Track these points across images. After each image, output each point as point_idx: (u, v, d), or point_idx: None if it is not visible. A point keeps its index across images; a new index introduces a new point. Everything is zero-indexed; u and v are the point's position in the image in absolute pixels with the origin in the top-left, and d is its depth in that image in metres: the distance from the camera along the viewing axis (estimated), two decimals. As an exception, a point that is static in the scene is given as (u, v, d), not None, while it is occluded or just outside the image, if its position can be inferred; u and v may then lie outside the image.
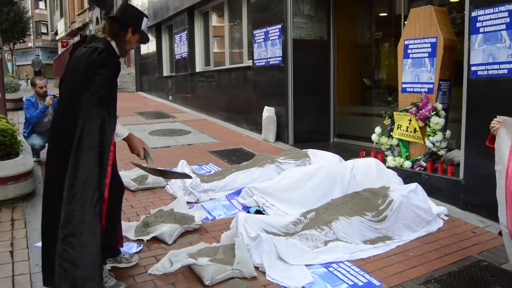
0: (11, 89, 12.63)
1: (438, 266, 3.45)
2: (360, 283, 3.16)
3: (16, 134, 5.05)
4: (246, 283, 3.13)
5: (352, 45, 8.59)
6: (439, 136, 5.14)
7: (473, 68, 4.57)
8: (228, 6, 10.93)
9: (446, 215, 4.51)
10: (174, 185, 5.21)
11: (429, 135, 5.22)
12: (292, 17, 7.82)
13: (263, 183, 4.87)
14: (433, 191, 4.99)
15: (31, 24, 32.71)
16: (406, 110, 5.49)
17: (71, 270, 2.45)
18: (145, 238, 3.81)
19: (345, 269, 3.36)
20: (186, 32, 12.72)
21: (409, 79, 5.55)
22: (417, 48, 5.42)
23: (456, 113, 5.35)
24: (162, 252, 3.60)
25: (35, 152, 6.47)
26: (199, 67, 12.64)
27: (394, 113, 5.67)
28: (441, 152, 5.24)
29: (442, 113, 5.19)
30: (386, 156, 5.84)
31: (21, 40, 29.71)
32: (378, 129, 5.91)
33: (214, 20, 12.06)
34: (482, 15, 4.45)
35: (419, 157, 5.44)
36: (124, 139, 2.93)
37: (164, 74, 15.83)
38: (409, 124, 5.46)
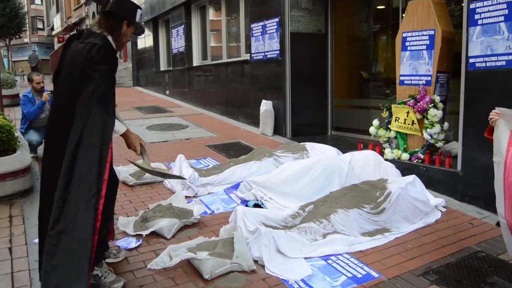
0: (7, 85, 12.59)
1: (436, 258, 3.46)
2: (359, 275, 3.17)
3: (13, 130, 5.03)
4: (245, 277, 3.14)
5: (350, 38, 8.57)
6: (437, 128, 5.15)
7: (471, 60, 4.57)
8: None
9: (444, 207, 4.53)
10: (172, 180, 5.20)
11: (427, 127, 5.23)
12: (290, 10, 7.79)
13: (261, 176, 4.87)
14: (431, 183, 5.00)
15: (27, 20, 32.50)
16: (404, 103, 5.49)
17: (59, 268, 2.40)
18: (144, 233, 3.81)
19: (344, 262, 3.37)
20: (183, 26, 12.68)
21: (407, 71, 5.55)
22: (415, 40, 5.42)
23: (454, 105, 5.36)
24: (161, 247, 3.60)
25: (33, 148, 6.46)
26: (196, 61, 12.60)
27: (392, 105, 5.67)
28: (439, 144, 5.24)
29: (440, 105, 5.19)
30: (384, 148, 5.85)
31: (17, 36, 29.51)
32: (376, 122, 5.92)
33: (211, 14, 12.01)
34: (480, 7, 4.44)
35: (417, 149, 5.45)
36: (121, 135, 2.92)
37: (161, 69, 15.79)
38: (407, 116, 5.46)
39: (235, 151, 7.03)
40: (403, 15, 5.73)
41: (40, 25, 48.31)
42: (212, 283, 3.06)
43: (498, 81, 4.34)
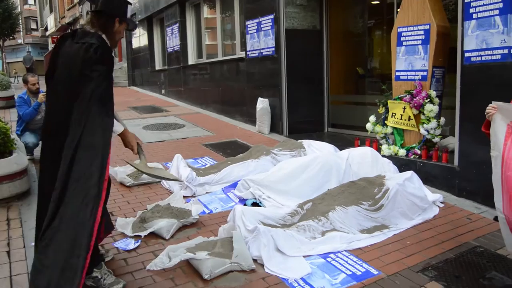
0: (2, 87, 12.53)
1: (435, 253, 3.47)
2: (358, 273, 3.17)
3: (9, 133, 5.01)
4: (245, 276, 3.13)
5: (345, 34, 8.57)
6: (434, 123, 5.15)
7: (466, 55, 4.57)
8: (219, -3, 10.87)
9: (441, 202, 4.54)
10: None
11: (424, 123, 5.23)
12: (285, 6, 7.78)
13: (259, 175, 4.86)
14: (428, 179, 5.01)
15: (20, 20, 32.36)
16: (400, 98, 5.49)
17: (51, 268, 2.38)
18: (143, 234, 3.80)
19: (343, 259, 3.37)
20: (177, 24, 12.64)
21: (403, 66, 5.54)
22: (411, 35, 5.41)
23: (450, 100, 5.36)
24: (160, 248, 3.60)
25: (29, 150, 6.43)
26: (191, 59, 12.57)
27: (388, 101, 5.67)
28: (436, 140, 5.25)
29: (436, 100, 5.19)
30: (381, 144, 5.85)
31: (11, 37, 29.38)
32: (372, 118, 5.92)
33: (205, 11, 11.98)
34: (475, 0, 4.44)
35: (414, 145, 5.45)
36: (118, 134, 2.92)
37: (157, 68, 15.74)
38: (403, 112, 5.46)
39: (232, 149, 7.02)
40: (398, 10, 5.72)
41: (33, 26, 48.06)
42: (212, 283, 3.05)
43: (493, 75, 4.34)
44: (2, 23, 27.03)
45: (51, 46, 34.63)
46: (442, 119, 5.26)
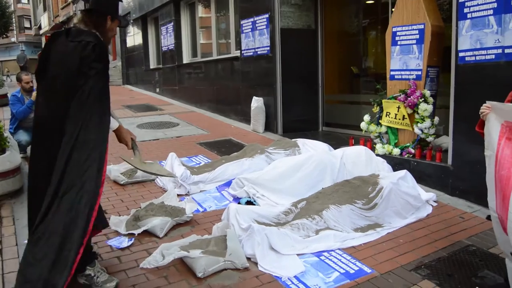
0: (-5, 85, 12.45)
1: (428, 252, 3.48)
2: (352, 271, 3.18)
3: (2, 131, 4.98)
4: (238, 274, 3.13)
5: (340, 33, 8.58)
6: (428, 122, 5.17)
7: (460, 54, 4.59)
8: (214, -4, 10.85)
9: (435, 201, 4.55)
10: (164, 178, 5.18)
11: (418, 122, 5.25)
12: (280, 6, 7.78)
13: (253, 173, 4.86)
14: (422, 178, 5.03)
15: (14, 19, 32.13)
16: (395, 98, 5.50)
17: (44, 261, 2.37)
18: (136, 232, 3.78)
19: (336, 258, 3.38)
20: (172, 23, 12.61)
21: (397, 66, 5.56)
22: (405, 35, 5.43)
23: (444, 99, 5.38)
24: (153, 246, 3.59)
25: (22, 148, 6.40)
26: (186, 58, 12.55)
27: (383, 100, 5.68)
28: (430, 139, 5.27)
29: (430, 99, 5.21)
30: (375, 143, 5.87)
31: (4, 36, 29.18)
32: (367, 117, 5.93)
33: (200, 10, 11.96)
34: (469, 0, 4.46)
35: (408, 144, 5.47)
36: (113, 130, 2.92)
37: (151, 67, 15.70)
38: (398, 111, 5.48)
39: (226, 148, 7.01)
40: (393, 9, 5.73)
41: (27, 24, 47.77)
42: (205, 281, 3.05)
43: (487, 75, 4.36)
44: (-4, 22, 26.86)
45: (45, 45, 34.34)
46: (436, 119, 5.28)
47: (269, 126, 8.24)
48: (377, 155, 5.37)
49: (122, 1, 3.05)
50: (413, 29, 5.33)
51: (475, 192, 4.48)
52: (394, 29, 5.56)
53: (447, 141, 5.13)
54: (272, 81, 8.02)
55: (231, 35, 10.08)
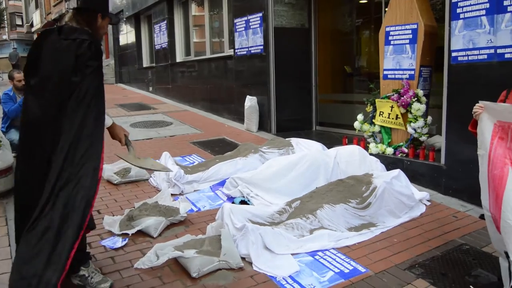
0: (-14, 83, 12.34)
1: (422, 251, 3.50)
2: (346, 270, 3.19)
3: (-6, 130, 4.94)
4: (233, 274, 3.13)
5: (334, 33, 8.59)
6: (421, 122, 5.19)
7: (453, 54, 4.61)
8: (208, -6, 10.83)
9: (428, 200, 4.58)
10: (157, 178, 5.17)
11: (411, 121, 5.27)
12: (273, 5, 7.77)
13: (247, 173, 4.86)
14: (415, 177, 5.05)
15: (5, 16, 31.87)
16: (388, 97, 5.52)
17: (38, 258, 2.36)
18: (130, 232, 3.77)
19: (331, 257, 3.38)
20: (165, 22, 12.57)
21: (391, 65, 5.58)
22: (398, 34, 5.45)
23: (437, 99, 5.41)
24: (147, 246, 3.58)
25: (14, 147, 6.34)
26: (179, 57, 12.51)
27: (376, 100, 5.70)
28: (423, 138, 5.29)
29: (423, 99, 5.23)
30: (369, 143, 5.89)
31: (-4, 33, 28.96)
32: (360, 116, 5.94)
33: (194, 9, 11.93)
34: (462, 0, 4.48)
35: (401, 144, 5.49)
36: (107, 127, 2.93)
37: (144, 65, 15.64)
38: (391, 110, 5.50)
39: (220, 147, 7.00)
40: (386, 9, 5.75)
41: (19, 22, 47.36)
42: (200, 281, 3.04)
43: (480, 75, 4.38)
44: (-13, 19, 26.63)
45: (37, 43, 34.05)
46: (429, 118, 5.31)
47: (263, 125, 8.24)
48: (371, 154, 5.39)
49: None
50: (406, 29, 5.35)
51: (468, 191, 4.51)
52: (388, 29, 5.58)
53: (440, 141, 5.16)
54: (265, 80, 8.02)
55: (225, 34, 10.07)
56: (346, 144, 5.98)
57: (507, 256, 2.46)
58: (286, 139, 6.13)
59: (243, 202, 4.41)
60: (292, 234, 3.60)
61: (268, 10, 7.82)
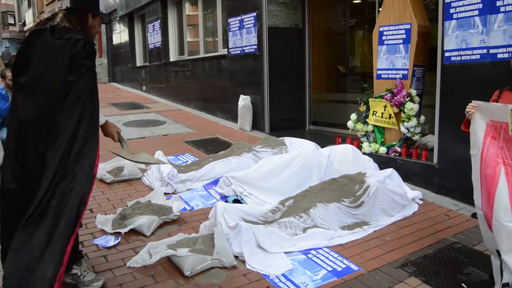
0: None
1: (414, 250, 3.51)
2: (339, 269, 3.19)
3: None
4: (226, 273, 3.13)
5: (327, 33, 8.60)
6: (414, 121, 5.21)
7: (446, 54, 4.63)
8: (202, -6, 10.81)
9: (420, 199, 4.60)
10: (150, 176, 5.15)
11: (404, 121, 5.29)
12: (267, 4, 7.77)
13: (241, 172, 4.86)
14: (408, 176, 5.07)
15: (-3, 15, 31.68)
16: (381, 97, 5.54)
17: (33, 252, 2.36)
18: (123, 230, 3.75)
19: (324, 255, 3.39)
20: (159, 21, 12.54)
21: (384, 65, 5.60)
22: (392, 34, 5.46)
23: (430, 98, 5.43)
24: (140, 244, 3.56)
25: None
26: (173, 56, 12.49)
27: (369, 99, 5.72)
28: (416, 138, 5.31)
29: (417, 99, 5.25)
30: (362, 142, 5.90)
31: (-12, 31, 28.77)
32: (353, 116, 5.96)
33: (187, 8, 11.91)
34: (455, 1, 4.50)
35: (394, 143, 5.51)
36: (100, 125, 2.93)
37: (138, 64, 15.60)
38: (384, 110, 5.52)
39: (213, 146, 7.00)
40: (380, 9, 5.77)
41: (11, 21, 47.10)
42: (193, 279, 3.04)
43: (473, 75, 4.41)
44: (-21, 17, 26.43)
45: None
46: (422, 118, 5.33)
47: (256, 124, 8.24)
48: (364, 153, 5.41)
49: None
50: (400, 29, 5.37)
51: (460, 190, 4.53)
52: (381, 29, 5.60)
53: (432, 140, 5.18)
54: (259, 79, 8.02)
55: (219, 33, 10.06)
56: (340, 143, 5.99)
57: (499, 255, 2.48)
58: (280, 138, 6.13)
59: (236, 201, 4.41)
60: (285, 232, 3.60)
61: (262, 10, 7.82)
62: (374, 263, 3.28)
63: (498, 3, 4.14)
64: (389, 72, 5.53)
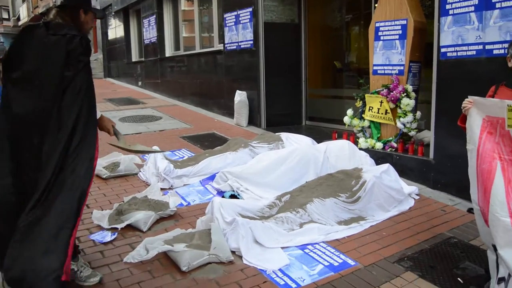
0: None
1: (411, 244, 3.52)
2: (336, 264, 3.20)
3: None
4: (223, 268, 3.13)
5: (323, 28, 8.60)
6: (410, 117, 5.22)
7: (442, 50, 4.64)
8: (197, -11, 10.77)
9: (417, 195, 4.61)
10: (147, 172, 5.15)
11: (400, 116, 5.30)
12: (263, 0, 7.75)
13: (237, 167, 4.86)
14: (404, 171, 5.08)
15: (-9, 9, 31.44)
16: (377, 92, 5.55)
17: (36, 244, 2.37)
18: (119, 226, 3.75)
19: (320, 250, 3.40)
20: (154, 16, 12.48)
21: (380, 61, 5.60)
22: (388, 30, 5.47)
23: (426, 94, 5.45)
24: (137, 240, 3.56)
25: None
26: (168, 51, 12.44)
27: (366, 95, 5.73)
28: (412, 133, 5.32)
29: (413, 94, 5.26)
30: (358, 138, 5.91)
31: (-18, 26, 28.55)
32: (350, 111, 5.96)
33: (183, 3, 11.85)
34: (451, -4, 4.51)
35: (390, 138, 5.52)
36: None
37: (133, 60, 15.54)
38: (380, 106, 5.52)
39: (210, 142, 6.99)
40: (376, 5, 5.77)
41: (5, 15, 46.74)
42: (190, 275, 3.04)
43: (468, 71, 4.42)
44: (-28, 12, 26.23)
45: (23, 36, 33.60)
46: (418, 113, 5.34)
47: (253, 120, 8.24)
48: (360, 149, 5.42)
49: None
50: (396, 25, 5.37)
51: (456, 186, 4.55)
52: (377, 25, 5.60)
53: (429, 135, 5.20)
54: (255, 75, 8.01)
55: (214, 29, 10.03)
56: (336, 139, 6.00)
57: (495, 249, 2.49)
58: (276, 133, 6.13)
59: (233, 196, 4.41)
60: (282, 228, 3.61)
61: (258, 5, 7.80)
62: (371, 258, 3.29)
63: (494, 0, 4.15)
64: (385, 67, 5.54)
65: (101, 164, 5.35)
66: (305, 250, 3.39)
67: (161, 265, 3.17)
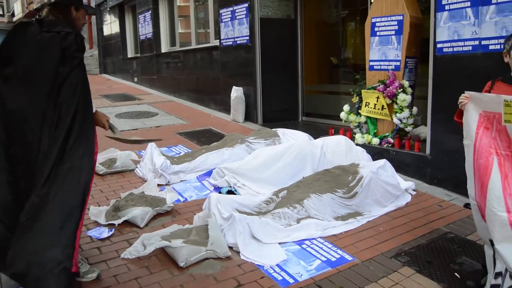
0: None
1: (408, 240, 3.54)
2: (333, 259, 3.21)
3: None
4: (220, 263, 3.13)
5: (320, 24, 8.59)
6: (406, 112, 5.23)
7: (438, 45, 4.64)
8: (193, -16, 10.73)
9: (413, 190, 4.62)
10: (143, 168, 5.14)
11: (396, 112, 5.31)
12: (259, -5, 7.74)
13: (234, 163, 4.86)
14: (401, 167, 5.09)
15: (-15, 5, 31.24)
16: (374, 88, 5.55)
17: (42, 236, 2.39)
18: (116, 222, 3.75)
19: (318, 246, 3.41)
20: (150, 12, 12.42)
21: (376, 56, 5.60)
22: (384, 26, 5.46)
23: (422, 90, 5.45)
24: (134, 236, 3.56)
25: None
26: (164, 47, 12.39)
27: (362, 90, 5.73)
28: (408, 129, 5.34)
29: (409, 90, 5.27)
30: (355, 133, 5.91)
31: (-24, 22, 28.35)
32: (346, 107, 5.97)
33: (178, -1, 11.83)
34: (447, -8, 4.51)
35: (387, 134, 5.53)
36: None
37: (129, 56, 15.48)
38: (377, 101, 5.53)
39: (206, 138, 6.99)
40: (372, 0, 5.76)
41: (-1, 11, 46.44)
42: (188, 270, 3.04)
43: (464, 66, 4.42)
44: (-34, 7, 26.05)
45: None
46: (415, 109, 5.35)
47: (249, 116, 8.23)
48: (357, 144, 5.42)
49: None
50: (392, 20, 5.37)
51: (453, 181, 4.56)
52: (373, 20, 5.59)
53: (425, 131, 5.21)
54: (251, 70, 8.00)
55: (210, 24, 10.00)
56: (333, 135, 6.00)
57: (492, 244, 2.50)
58: (273, 129, 6.13)
59: (230, 192, 4.42)
60: (279, 223, 3.61)
61: (254, 1, 7.78)
62: (368, 253, 3.30)
63: (490, -5, 4.15)
64: (382, 63, 5.54)
65: (98, 160, 5.31)
66: (302, 246, 3.40)
67: (158, 261, 3.17)
